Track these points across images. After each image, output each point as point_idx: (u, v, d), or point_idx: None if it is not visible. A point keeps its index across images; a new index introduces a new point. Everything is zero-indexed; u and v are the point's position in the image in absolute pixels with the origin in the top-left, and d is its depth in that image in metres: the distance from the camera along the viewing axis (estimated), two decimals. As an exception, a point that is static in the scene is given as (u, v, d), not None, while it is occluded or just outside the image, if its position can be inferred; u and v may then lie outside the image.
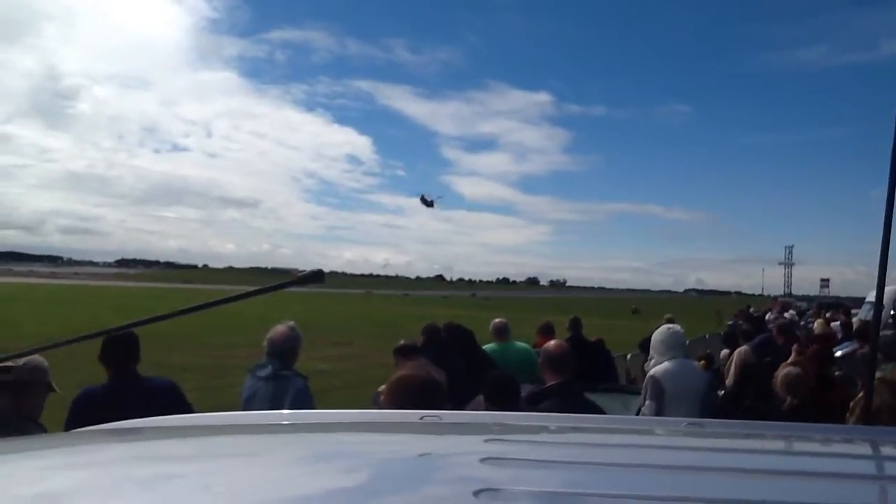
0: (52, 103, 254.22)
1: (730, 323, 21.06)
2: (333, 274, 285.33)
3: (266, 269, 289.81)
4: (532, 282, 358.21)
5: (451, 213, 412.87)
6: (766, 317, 20.72)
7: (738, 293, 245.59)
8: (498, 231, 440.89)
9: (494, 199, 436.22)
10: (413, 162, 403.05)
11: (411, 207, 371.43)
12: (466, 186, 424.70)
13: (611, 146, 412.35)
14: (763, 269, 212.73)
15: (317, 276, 1.44)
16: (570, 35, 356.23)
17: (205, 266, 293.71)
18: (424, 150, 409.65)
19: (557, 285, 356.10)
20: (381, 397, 2.69)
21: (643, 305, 67.68)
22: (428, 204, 51.74)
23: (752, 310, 26.26)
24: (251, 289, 1.49)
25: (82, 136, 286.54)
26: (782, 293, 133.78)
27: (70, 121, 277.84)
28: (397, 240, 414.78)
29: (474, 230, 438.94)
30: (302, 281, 1.43)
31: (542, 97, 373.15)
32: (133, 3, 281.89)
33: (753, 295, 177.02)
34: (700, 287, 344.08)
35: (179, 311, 1.52)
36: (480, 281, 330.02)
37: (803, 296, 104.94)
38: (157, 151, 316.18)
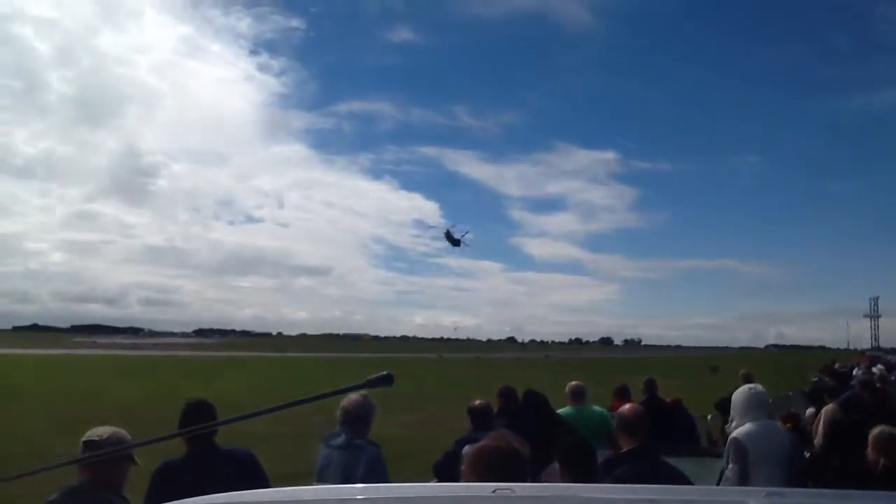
0: (133, 181, 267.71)
1: (814, 380, 20.18)
2: (405, 338, 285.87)
3: (338, 335, 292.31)
4: (606, 342, 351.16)
5: (520, 275, 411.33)
6: (853, 372, 19.85)
7: (822, 348, 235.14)
8: (568, 291, 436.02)
9: (563, 258, 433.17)
10: (481, 225, 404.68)
11: (481, 270, 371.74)
12: (535, 247, 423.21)
13: (680, 201, 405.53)
14: (847, 322, 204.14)
15: (386, 380, 1.46)
16: (635, 92, 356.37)
17: (279, 334, 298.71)
18: (491, 212, 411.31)
19: (632, 345, 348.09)
20: (462, 467, 2.61)
21: (722, 363, 65.50)
22: (454, 242, 50.69)
23: (837, 365, 25.20)
24: (322, 393, 1.55)
25: (161, 211, 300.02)
26: (869, 346, 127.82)
27: (150, 197, 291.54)
28: (467, 303, 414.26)
29: (544, 291, 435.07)
30: (371, 384, 1.46)
31: (608, 155, 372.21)
32: (208, 83, 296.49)
33: (838, 349, 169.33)
34: (781, 342, 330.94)
35: (283, 406, 1.58)
36: (553, 342, 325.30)
37: (892, 349, 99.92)
38: (231, 223, 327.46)
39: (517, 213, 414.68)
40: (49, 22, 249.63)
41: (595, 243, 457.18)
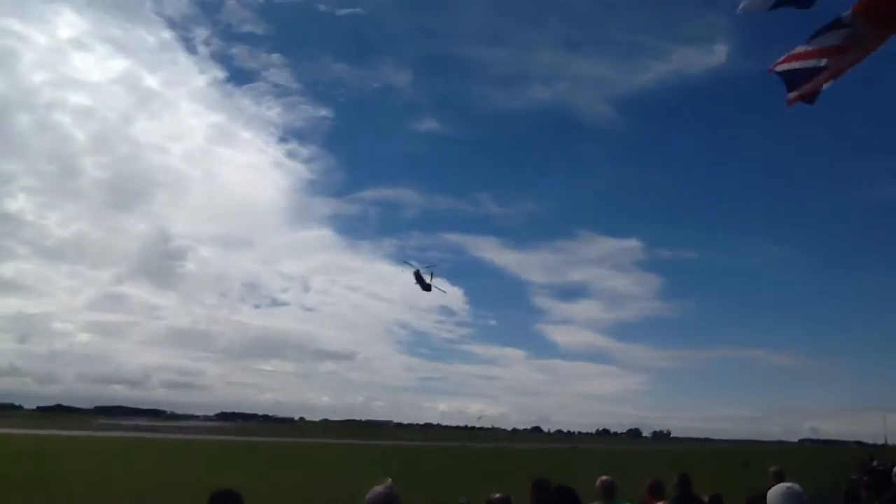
0: (161, 264, 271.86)
1: (852, 478, 19.41)
2: (428, 426, 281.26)
3: (360, 421, 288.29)
4: (634, 433, 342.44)
5: (545, 362, 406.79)
6: (893, 469, 19.04)
7: (859, 443, 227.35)
8: (594, 380, 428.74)
9: (589, 347, 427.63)
10: (505, 312, 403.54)
11: (505, 357, 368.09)
12: (559, 335, 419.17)
13: (707, 290, 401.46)
14: (885, 417, 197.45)
15: (232, 499, 1.40)
16: (657, 181, 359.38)
17: (301, 419, 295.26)
18: (515, 299, 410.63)
19: (661, 436, 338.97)
20: None
21: (754, 457, 63.45)
22: (425, 287, 48.05)
23: (875, 462, 24.24)
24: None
25: (188, 294, 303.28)
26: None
27: (177, 280, 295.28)
28: (492, 390, 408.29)
29: (570, 379, 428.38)
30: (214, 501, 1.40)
31: (631, 243, 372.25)
32: (238, 169, 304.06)
33: (876, 445, 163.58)
34: (815, 437, 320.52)
35: None
36: (579, 432, 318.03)
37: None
38: (257, 307, 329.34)
39: (541, 300, 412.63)
40: (87, 110, 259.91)
41: (621, 331, 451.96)
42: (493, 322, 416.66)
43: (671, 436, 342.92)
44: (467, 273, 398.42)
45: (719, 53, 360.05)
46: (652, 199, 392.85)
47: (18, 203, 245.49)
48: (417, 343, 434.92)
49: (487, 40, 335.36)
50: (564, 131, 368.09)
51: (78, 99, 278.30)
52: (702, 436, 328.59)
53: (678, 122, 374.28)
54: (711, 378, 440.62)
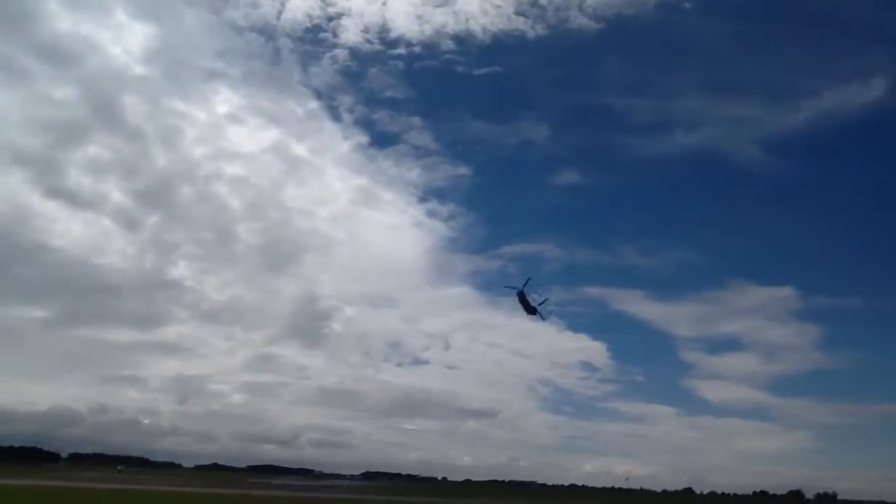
0: (309, 325, 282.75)
1: None
2: (573, 487, 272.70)
3: (503, 481, 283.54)
4: (796, 495, 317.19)
5: (696, 420, 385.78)
6: None
7: None
8: (751, 438, 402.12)
9: (744, 402, 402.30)
10: (651, 366, 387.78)
11: (653, 415, 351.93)
12: (711, 390, 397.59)
13: (874, 338, 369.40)
14: None
15: None
16: (811, 225, 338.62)
17: (444, 479, 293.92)
18: (662, 353, 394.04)
19: (826, 499, 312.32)
20: None
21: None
22: (530, 310, 44.44)
23: None
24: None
25: (334, 354, 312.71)
26: None
27: (324, 340, 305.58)
28: (640, 450, 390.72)
29: (724, 437, 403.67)
30: None
31: (786, 291, 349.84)
32: (380, 229, 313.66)
33: None
34: None
35: None
36: (735, 494, 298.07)
37: None
38: (400, 365, 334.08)
39: (690, 354, 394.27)
40: (241, 180, 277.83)
41: (778, 386, 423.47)
42: (639, 378, 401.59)
43: (837, 498, 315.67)
44: (610, 327, 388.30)
45: (876, 88, 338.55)
46: (807, 245, 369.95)
47: (180, 270, 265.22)
48: (561, 401, 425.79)
49: (627, 89, 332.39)
50: (711, 177, 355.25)
51: (233, 169, 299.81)
52: (875, 498, 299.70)
53: (833, 161, 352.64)
54: (882, 434, 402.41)
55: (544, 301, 45.93)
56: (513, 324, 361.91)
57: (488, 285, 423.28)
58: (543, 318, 47.07)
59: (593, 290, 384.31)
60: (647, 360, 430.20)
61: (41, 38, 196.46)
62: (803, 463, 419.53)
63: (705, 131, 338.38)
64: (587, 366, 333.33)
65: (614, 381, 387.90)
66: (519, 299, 44.36)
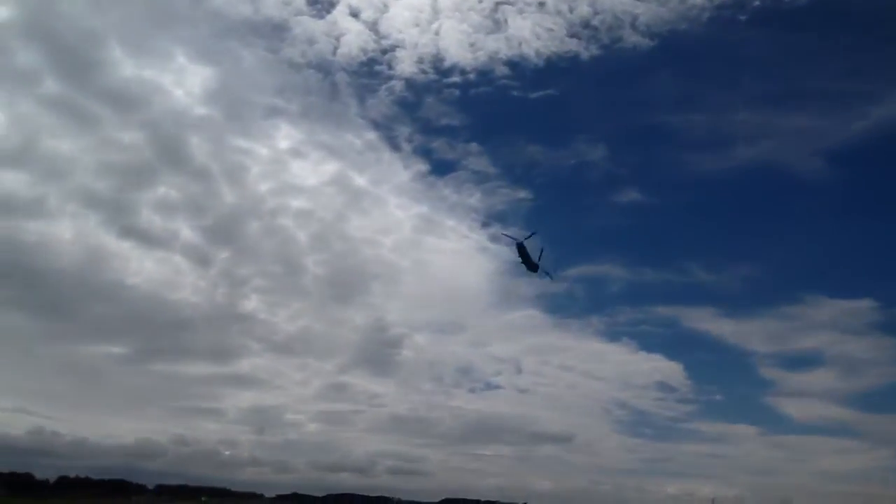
0: (379, 353, 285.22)
1: None
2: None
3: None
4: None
5: (780, 439, 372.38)
6: None
7: None
8: (837, 456, 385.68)
9: (827, 419, 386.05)
10: (729, 385, 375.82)
11: (734, 435, 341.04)
12: (793, 407, 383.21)
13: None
14: None
15: None
16: (888, 234, 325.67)
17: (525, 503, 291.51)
18: (739, 371, 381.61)
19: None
20: None
21: None
22: (532, 266, 40.94)
23: None
24: None
25: (405, 381, 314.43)
26: None
27: (395, 368, 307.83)
28: (723, 471, 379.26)
29: (809, 456, 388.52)
30: None
31: (865, 304, 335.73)
32: (444, 256, 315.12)
33: None
34: None
35: None
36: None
37: None
38: (471, 391, 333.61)
39: (768, 371, 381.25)
40: (306, 213, 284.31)
41: (863, 401, 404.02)
42: (717, 397, 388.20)
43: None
44: (684, 346, 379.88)
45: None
46: (884, 255, 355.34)
47: (252, 303, 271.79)
48: (638, 422, 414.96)
49: (682, 105, 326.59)
50: (776, 190, 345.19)
51: (298, 203, 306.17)
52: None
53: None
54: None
55: (542, 253, 42.11)
56: (584, 346, 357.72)
57: (556, 308, 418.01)
58: (551, 277, 43.39)
59: (663, 309, 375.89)
60: (725, 379, 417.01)
61: (108, 85, 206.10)
62: (894, 481, 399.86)
63: (766, 144, 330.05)
64: (664, 386, 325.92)
65: (692, 400, 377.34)
66: (518, 252, 41.12)
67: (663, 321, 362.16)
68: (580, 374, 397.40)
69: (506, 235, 41.85)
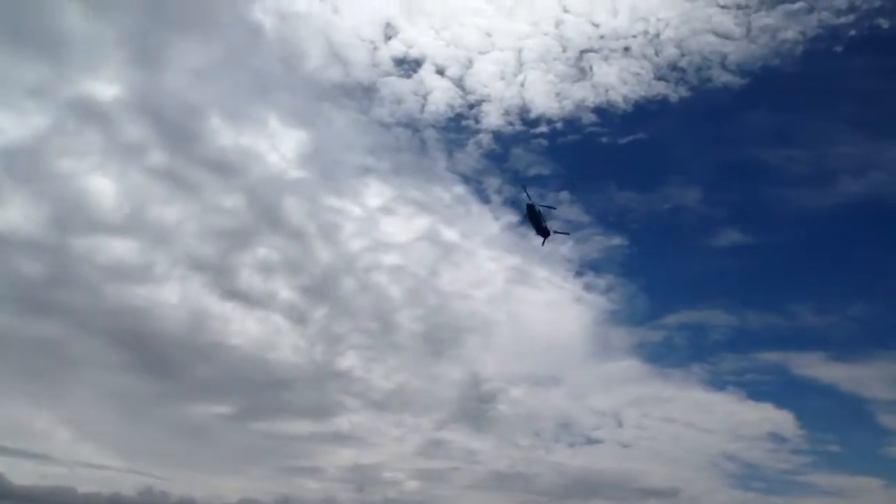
0: (476, 408, 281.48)
1: None
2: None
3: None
4: None
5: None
6: None
7: None
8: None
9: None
10: (846, 434, 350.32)
11: (855, 488, 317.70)
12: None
13: None
14: None
15: None
16: None
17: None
18: (856, 419, 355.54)
19: None
20: None
21: None
22: (542, 231, 36.52)
23: None
24: None
25: (503, 437, 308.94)
26: None
27: (492, 423, 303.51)
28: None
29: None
30: None
31: None
32: (538, 307, 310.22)
33: None
34: None
35: None
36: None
37: None
38: (571, 446, 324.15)
39: (887, 419, 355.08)
40: (398, 269, 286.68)
41: None
42: (834, 447, 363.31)
43: None
44: (794, 394, 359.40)
45: None
46: None
47: (349, 360, 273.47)
48: (749, 476, 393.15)
49: (779, 141, 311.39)
50: (886, 223, 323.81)
51: (390, 259, 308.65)
52: None
53: None
54: None
55: (549, 208, 39.13)
56: (687, 396, 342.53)
57: (656, 357, 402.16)
58: (566, 232, 39.82)
59: (770, 356, 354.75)
60: (842, 428, 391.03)
61: (209, 154, 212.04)
62: None
63: (873, 176, 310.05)
64: (775, 437, 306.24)
65: (807, 451, 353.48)
66: (528, 214, 38.18)
67: (771, 368, 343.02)
68: (684, 425, 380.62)
69: (513, 203, 40.01)
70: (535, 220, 38.38)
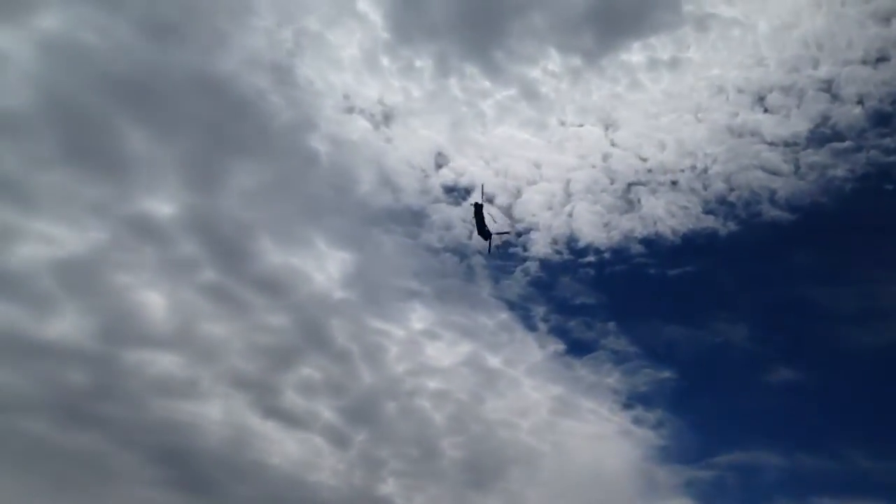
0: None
1: None
2: None
3: None
4: None
5: None
6: None
7: None
8: None
9: None
10: None
11: None
12: None
13: None
14: None
15: None
16: None
17: None
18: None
19: None
20: None
21: None
22: (483, 231, 33.97)
23: None
24: None
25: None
26: None
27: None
28: None
29: None
30: None
31: None
32: (584, 439, 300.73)
33: None
34: None
35: None
36: None
37: None
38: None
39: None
40: (442, 394, 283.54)
41: None
42: (506, 235, 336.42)
43: None
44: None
45: None
46: None
47: (389, 487, 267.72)
48: None
49: (829, 278, 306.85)
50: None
51: (434, 384, 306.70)
52: None
53: None
54: None
55: (505, 233, 37.78)
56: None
57: (707, 497, 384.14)
58: (507, 231, 38.68)
59: (824, 501, 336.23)
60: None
61: (258, 273, 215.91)
62: None
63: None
64: None
65: None
66: (475, 212, 36.44)
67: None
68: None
69: (481, 195, 38.41)
70: (480, 221, 38.02)
